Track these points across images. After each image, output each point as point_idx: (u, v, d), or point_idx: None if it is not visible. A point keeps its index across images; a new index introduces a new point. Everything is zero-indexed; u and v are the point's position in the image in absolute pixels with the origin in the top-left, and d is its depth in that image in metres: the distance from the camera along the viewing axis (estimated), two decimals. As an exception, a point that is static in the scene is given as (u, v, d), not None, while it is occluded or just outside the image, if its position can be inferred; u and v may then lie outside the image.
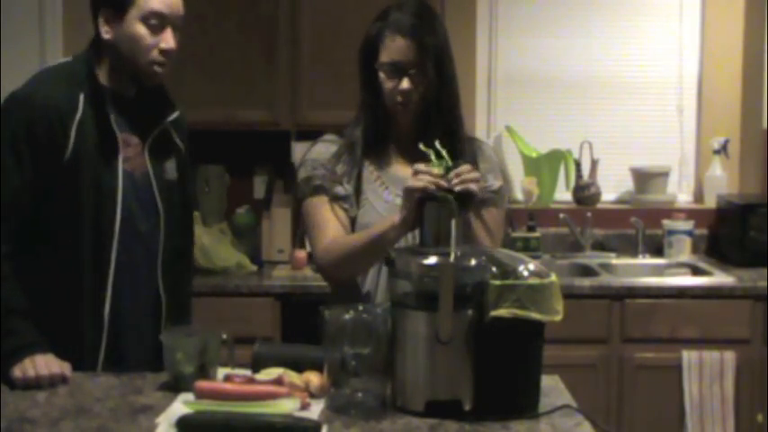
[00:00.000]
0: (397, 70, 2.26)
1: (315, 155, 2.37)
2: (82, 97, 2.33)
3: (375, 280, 2.30)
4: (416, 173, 2.07)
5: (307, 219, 2.36)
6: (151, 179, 2.42)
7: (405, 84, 2.26)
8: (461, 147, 2.31)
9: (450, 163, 2.07)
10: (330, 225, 2.30)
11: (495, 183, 2.38)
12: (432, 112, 2.30)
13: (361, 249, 2.22)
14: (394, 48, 2.26)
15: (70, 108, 2.31)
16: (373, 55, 2.29)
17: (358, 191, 2.33)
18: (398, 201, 2.24)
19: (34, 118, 2.29)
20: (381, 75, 2.28)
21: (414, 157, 2.19)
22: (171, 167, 2.49)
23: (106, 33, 2.35)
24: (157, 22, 2.33)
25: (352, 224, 2.33)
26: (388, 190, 2.33)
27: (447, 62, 2.30)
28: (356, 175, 2.33)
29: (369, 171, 2.34)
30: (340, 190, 2.32)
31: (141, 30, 2.32)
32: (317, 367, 2.07)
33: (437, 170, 2.06)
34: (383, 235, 2.15)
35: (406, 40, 2.25)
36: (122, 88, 2.41)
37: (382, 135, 2.34)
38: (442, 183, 2.04)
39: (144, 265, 2.43)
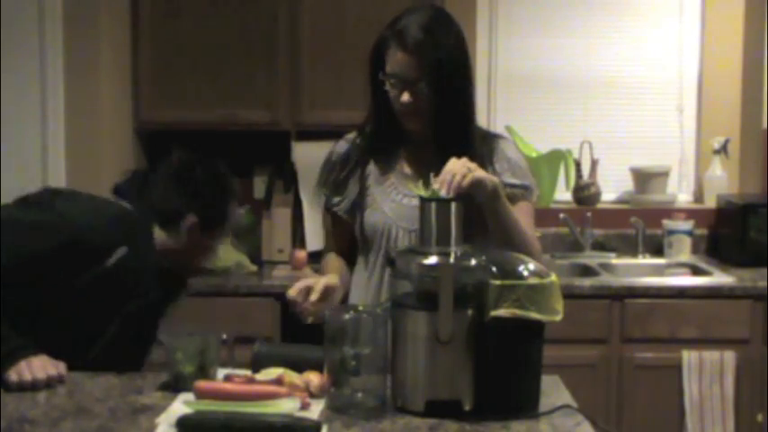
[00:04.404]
0: (399, 83, 2.24)
1: (334, 156, 2.43)
2: (122, 252, 2.34)
3: (381, 275, 2.32)
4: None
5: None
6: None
7: (405, 97, 2.24)
8: (473, 148, 2.27)
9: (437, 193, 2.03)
10: (329, 240, 2.48)
11: (513, 180, 2.33)
12: (441, 119, 2.27)
13: None
14: (395, 61, 2.23)
15: (106, 250, 2.32)
16: (380, 63, 2.27)
17: (364, 191, 2.35)
18: (405, 201, 2.30)
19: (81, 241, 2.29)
20: (386, 83, 2.27)
21: (423, 159, 2.24)
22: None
23: (185, 233, 2.42)
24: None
25: (361, 224, 2.35)
26: (396, 190, 2.34)
27: (455, 74, 2.25)
28: (363, 175, 2.35)
29: (377, 171, 2.36)
30: (336, 200, 2.39)
31: (211, 248, 2.50)
32: (317, 367, 2.07)
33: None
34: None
35: (407, 55, 2.21)
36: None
37: (391, 138, 2.35)
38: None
39: None
